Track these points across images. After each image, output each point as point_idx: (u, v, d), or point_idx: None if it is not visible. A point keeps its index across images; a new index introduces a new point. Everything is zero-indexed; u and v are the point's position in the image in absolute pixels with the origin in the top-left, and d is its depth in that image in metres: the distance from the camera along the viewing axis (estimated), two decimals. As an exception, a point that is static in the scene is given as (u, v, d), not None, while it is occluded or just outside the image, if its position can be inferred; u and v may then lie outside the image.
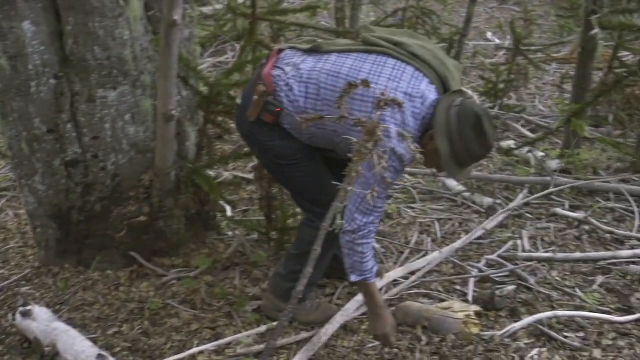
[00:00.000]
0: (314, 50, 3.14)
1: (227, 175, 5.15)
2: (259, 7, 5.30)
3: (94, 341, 3.37)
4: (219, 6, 9.62)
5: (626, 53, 7.26)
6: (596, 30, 4.92)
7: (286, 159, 3.23)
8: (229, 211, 4.56)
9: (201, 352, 3.32)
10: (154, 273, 3.89)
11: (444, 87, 3.05)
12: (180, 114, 3.74)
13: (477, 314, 3.50)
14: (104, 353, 3.14)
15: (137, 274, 3.89)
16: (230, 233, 4.33)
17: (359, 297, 3.60)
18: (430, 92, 2.96)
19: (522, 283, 3.86)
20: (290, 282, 3.32)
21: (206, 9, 9.24)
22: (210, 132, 4.08)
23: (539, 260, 4.10)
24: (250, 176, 5.13)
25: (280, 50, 3.26)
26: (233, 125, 5.71)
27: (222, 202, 4.50)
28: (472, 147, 2.91)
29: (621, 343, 3.38)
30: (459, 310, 3.47)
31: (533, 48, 8.00)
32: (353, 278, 3.10)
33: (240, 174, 5.19)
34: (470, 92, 3.00)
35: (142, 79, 3.67)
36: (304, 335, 3.44)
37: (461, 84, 3.15)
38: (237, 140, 5.73)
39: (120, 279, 3.84)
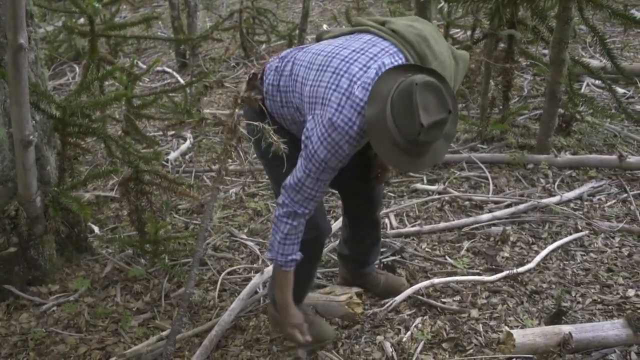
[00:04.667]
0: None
1: (88, 195, 5.07)
2: (95, 23, 5.29)
3: (-20, 381, 3.28)
4: (50, 28, 9.40)
5: (456, 30, 7.64)
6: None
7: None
8: (97, 230, 4.51)
9: (93, 374, 3.29)
10: (31, 303, 3.80)
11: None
12: (37, 139, 3.66)
13: (358, 294, 3.61)
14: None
15: (14, 306, 3.77)
16: (103, 252, 4.29)
17: (242, 295, 3.65)
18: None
19: (396, 258, 4.03)
20: None
21: (36, 33, 8.97)
22: (69, 153, 4.01)
23: (408, 235, 4.29)
24: (113, 194, 5.08)
25: None
26: (90, 145, 5.67)
27: (90, 223, 4.45)
28: (401, 122, 2.53)
29: (494, 300, 3.61)
30: (341, 293, 3.57)
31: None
32: (267, 255, 2.99)
33: (102, 193, 5.12)
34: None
35: (-8, 108, 3.58)
36: (195, 340, 3.46)
37: (459, 73, 2.98)
38: (92, 161, 5.66)
39: (-3, 314, 3.74)
